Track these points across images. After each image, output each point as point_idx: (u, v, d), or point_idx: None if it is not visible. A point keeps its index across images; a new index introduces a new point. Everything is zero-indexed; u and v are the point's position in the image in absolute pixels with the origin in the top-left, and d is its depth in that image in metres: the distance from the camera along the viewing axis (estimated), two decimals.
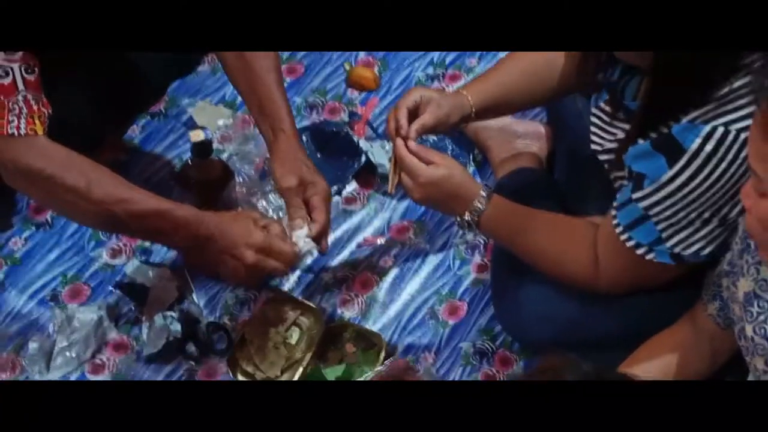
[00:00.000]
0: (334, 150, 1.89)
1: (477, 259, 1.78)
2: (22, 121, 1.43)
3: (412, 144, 1.49)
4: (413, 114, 1.51)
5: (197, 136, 1.59)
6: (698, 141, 1.29)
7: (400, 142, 1.49)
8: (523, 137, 1.86)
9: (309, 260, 1.59)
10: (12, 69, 1.42)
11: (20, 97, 1.43)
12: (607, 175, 1.51)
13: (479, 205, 1.49)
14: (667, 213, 1.36)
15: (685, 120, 1.31)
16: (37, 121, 1.44)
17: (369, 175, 1.88)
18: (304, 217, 1.53)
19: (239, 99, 1.93)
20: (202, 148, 1.60)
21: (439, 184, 1.48)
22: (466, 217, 1.50)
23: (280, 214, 1.72)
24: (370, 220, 1.83)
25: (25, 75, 1.44)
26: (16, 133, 1.42)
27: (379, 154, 1.87)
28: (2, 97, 1.41)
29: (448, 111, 1.54)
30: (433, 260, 1.78)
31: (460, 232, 1.80)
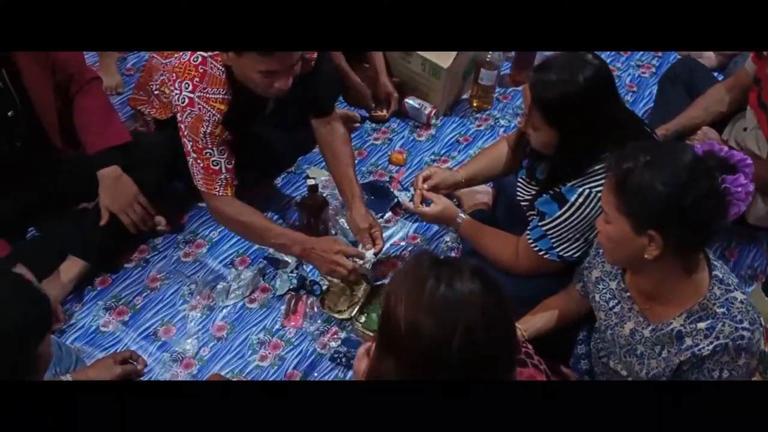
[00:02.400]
0: (380, 195, 1.88)
1: (454, 254, 1.74)
2: (221, 188, 1.47)
3: (425, 192, 1.51)
4: (428, 178, 1.53)
5: (311, 182, 1.59)
6: (575, 196, 1.29)
7: (417, 195, 1.50)
8: (480, 193, 1.82)
9: (371, 262, 1.56)
10: (221, 162, 1.45)
11: (222, 177, 1.46)
12: (524, 213, 1.49)
13: (458, 221, 1.49)
14: (557, 233, 1.35)
15: (568, 185, 1.31)
16: (228, 189, 1.48)
17: (398, 209, 1.85)
18: (370, 242, 1.53)
19: None
20: (313, 189, 1.60)
21: (437, 215, 1.50)
22: (452, 228, 1.51)
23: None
24: (397, 232, 1.80)
25: (227, 165, 1.46)
26: (217, 193, 1.46)
27: (404, 198, 1.85)
28: (215, 176, 1.45)
29: (448, 180, 1.55)
30: None
31: (444, 240, 1.77)
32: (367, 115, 2.08)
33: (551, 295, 1.41)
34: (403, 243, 1.78)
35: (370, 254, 1.51)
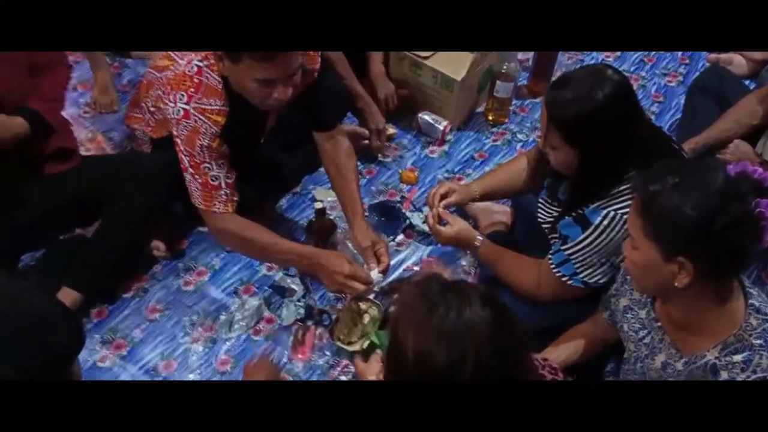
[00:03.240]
0: (391, 216, 1.90)
1: (470, 279, 1.74)
2: (221, 205, 1.47)
3: (441, 210, 1.53)
4: (443, 196, 1.55)
5: (318, 205, 1.61)
6: (599, 218, 1.30)
7: (432, 216, 1.52)
8: (497, 213, 1.85)
9: (382, 282, 1.58)
10: (220, 176, 1.46)
11: (222, 192, 1.47)
12: (545, 235, 1.50)
13: (476, 244, 1.51)
14: (580, 258, 1.35)
15: (592, 206, 1.32)
16: (229, 206, 1.48)
17: (410, 231, 1.87)
18: (375, 261, 1.54)
19: None
20: (321, 212, 1.61)
21: (452, 237, 1.52)
22: (469, 252, 1.52)
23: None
24: (410, 256, 1.82)
25: (227, 180, 1.47)
26: (216, 211, 1.47)
27: (416, 219, 1.87)
28: (214, 192, 1.46)
29: (463, 196, 1.58)
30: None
31: (461, 264, 1.78)
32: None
33: (576, 324, 1.41)
34: (416, 268, 1.80)
35: (376, 274, 1.51)
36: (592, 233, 1.31)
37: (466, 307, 0.81)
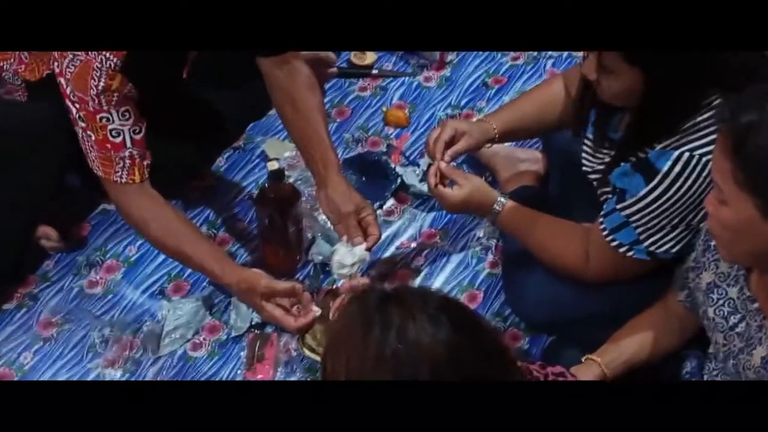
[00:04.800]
0: (375, 174, 1.89)
1: (489, 257, 1.77)
2: (125, 172, 1.47)
3: (443, 165, 1.51)
4: (449, 143, 1.53)
5: (273, 165, 1.59)
6: (669, 164, 1.29)
7: (433, 172, 1.50)
8: (524, 161, 1.85)
9: (364, 266, 1.59)
10: (123, 131, 1.45)
11: (127, 153, 1.46)
12: (593, 190, 1.50)
13: (496, 209, 1.50)
14: (644, 220, 1.36)
15: (658, 147, 1.31)
16: (136, 172, 1.49)
17: (403, 194, 1.87)
18: (361, 235, 1.53)
19: None
20: (277, 175, 1.60)
21: (462, 203, 1.51)
22: (487, 218, 1.54)
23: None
24: (405, 229, 1.82)
25: (133, 135, 1.46)
26: (119, 181, 1.47)
27: (411, 177, 1.87)
28: (113, 153, 1.45)
29: (477, 138, 1.55)
30: (455, 259, 1.77)
31: (476, 236, 1.80)
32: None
33: (637, 311, 1.42)
34: (414, 244, 1.80)
35: (360, 251, 1.52)
36: (659, 184, 1.32)
37: (409, 324, 0.85)
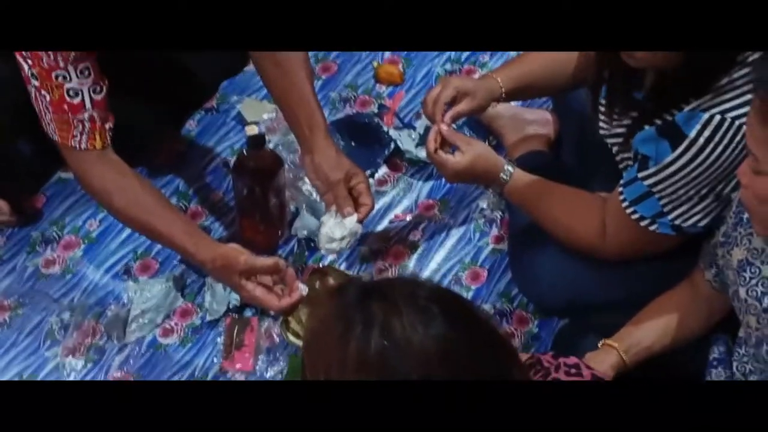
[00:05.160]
0: (366, 138, 1.87)
1: (494, 231, 1.76)
2: (84, 137, 1.45)
3: (444, 128, 1.49)
4: (450, 103, 1.51)
5: (252, 130, 1.55)
6: (698, 128, 1.28)
7: (433, 137, 1.49)
8: (533, 124, 1.83)
9: (355, 240, 1.56)
10: (82, 90, 1.42)
11: (86, 115, 1.43)
12: (612, 156, 1.49)
13: (503, 178, 1.49)
14: (669, 190, 1.34)
15: (686, 109, 1.29)
16: (97, 137, 1.46)
17: (398, 160, 1.86)
18: (352, 205, 1.51)
19: None
20: (257, 141, 1.56)
21: (465, 171, 1.50)
22: (493, 188, 1.54)
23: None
24: (399, 200, 1.81)
25: (93, 95, 1.44)
26: (77, 146, 1.45)
27: (406, 141, 1.85)
28: (70, 115, 1.42)
29: (481, 98, 1.53)
30: (456, 233, 1.76)
31: (479, 208, 1.79)
32: None
33: (661, 292, 1.41)
34: (409, 217, 1.79)
35: (352, 223, 1.51)
36: (687, 150, 1.29)
37: (394, 320, 0.83)
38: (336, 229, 1.51)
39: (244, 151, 1.61)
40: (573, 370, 1.06)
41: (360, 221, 1.52)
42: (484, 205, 1.79)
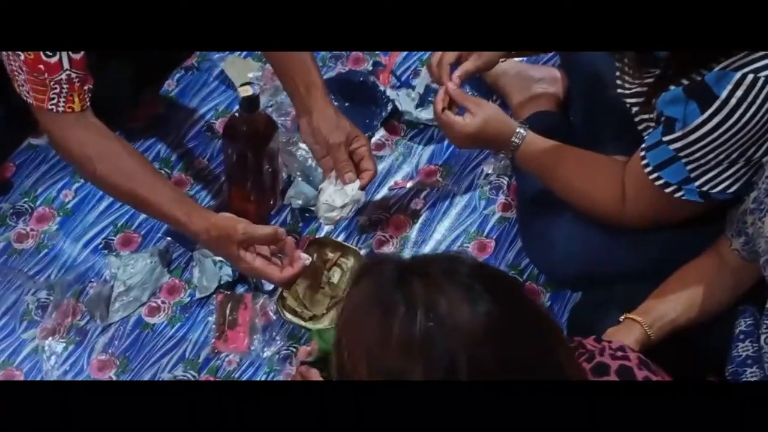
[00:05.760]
0: (361, 99, 1.84)
1: (501, 198, 1.74)
2: (62, 99, 1.42)
3: (452, 87, 1.48)
4: (455, 62, 1.49)
5: (246, 91, 1.51)
6: (729, 88, 1.26)
7: (439, 100, 1.48)
8: (540, 81, 1.81)
9: (357, 208, 1.56)
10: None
11: (64, 76, 1.40)
12: (627, 117, 1.47)
13: (515, 141, 1.48)
14: (697, 155, 1.33)
15: (716, 68, 1.27)
16: (76, 99, 1.43)
17: (396, 123, 1.84)
18: (353, 170, 1.49)
19: None
20: (251, 103, 1.52)
21: (475, 135, 1.48)
22: (502, 153, 1.54)
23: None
24: (399, 165, 1.79)
25: (71, 54, 1.41)
26: (54, 109, 1.42)
27: (405, 101, 1.82)
28: (47, 75, 1.39)
29: (488, 54, 1.52)
30: (460, 201, 1.75)
31: (484, 173, 1.78)
32: None
33: (684, 262, 1.41)
34: (409, 184, 1.77)
35: (353, 190, 1.49)
36: (718, 112, 1.28)
37: (439, 298, 0.84)
38: (336, 197, 1.49)
39: (236, 114, 1.58)
40: (619, 353, 1.06)
41: (362, 188, 1.51)
42: (489, 170, 1.78)
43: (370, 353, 0.85)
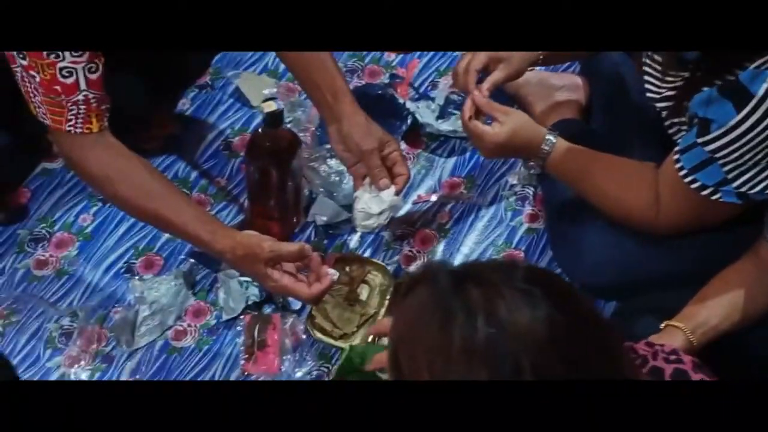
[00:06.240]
0: (380, 112, 1.80)
1: (527, 209, 1.76)
2: (79, 120, 1.43)
3: (479, 97, 1.49)
4: (482, 71, 1.50)
5: (270, 106, 1.52)
6: (765, 86, 1.26)
7: (466, 110, 1.48)
8: (562, 89, 1.82)
9: (395, 214, 1.58)
10: (76, 70, 1.40)
11: (80, 97, 1.42)
12: (651, 121, 1.48)
13: (545, 149, 1.49)
14: (734, 155, 1.33)
15: (750, 66, 1.28)
16: (94, 120, 1.45)
17: (417, 135, 1.85)
18: (387, 176, 1.50)
19: (282, 66, 1.89)
20: (275, 118, 1.54)
21: (505, 144, 1.48)
22: (533, 162, 1.53)
23: (341, 178, 1.70)
24: (422, 179, 1.81)
25: (88, 75, 1.42)
26: (72, 131, 1.43)
27: (425, 113, 1.83)
28: (63, 96, 1.41)
29: (517, 63, 1.52)
30: (486, 214, 1.76)
31: (509, 184, 1.79)
32: None
33: (722, 266, 1.41)
34: (434, 197, 1.78)
35: (390, 196, 1.50)
36: (754, 111, 1.28)
37: (499, 304, 0.85)
38: (373, 204, 1.50)
39: (260, 130, 1.59)
40: (672, 356, 1.07)
41: (397, 193, 1.52)
42: (514, 181, 1.79)
43: (432, 363, 0.85)
